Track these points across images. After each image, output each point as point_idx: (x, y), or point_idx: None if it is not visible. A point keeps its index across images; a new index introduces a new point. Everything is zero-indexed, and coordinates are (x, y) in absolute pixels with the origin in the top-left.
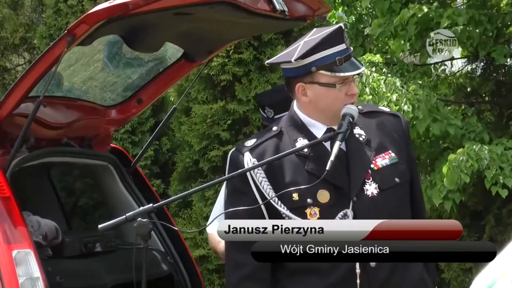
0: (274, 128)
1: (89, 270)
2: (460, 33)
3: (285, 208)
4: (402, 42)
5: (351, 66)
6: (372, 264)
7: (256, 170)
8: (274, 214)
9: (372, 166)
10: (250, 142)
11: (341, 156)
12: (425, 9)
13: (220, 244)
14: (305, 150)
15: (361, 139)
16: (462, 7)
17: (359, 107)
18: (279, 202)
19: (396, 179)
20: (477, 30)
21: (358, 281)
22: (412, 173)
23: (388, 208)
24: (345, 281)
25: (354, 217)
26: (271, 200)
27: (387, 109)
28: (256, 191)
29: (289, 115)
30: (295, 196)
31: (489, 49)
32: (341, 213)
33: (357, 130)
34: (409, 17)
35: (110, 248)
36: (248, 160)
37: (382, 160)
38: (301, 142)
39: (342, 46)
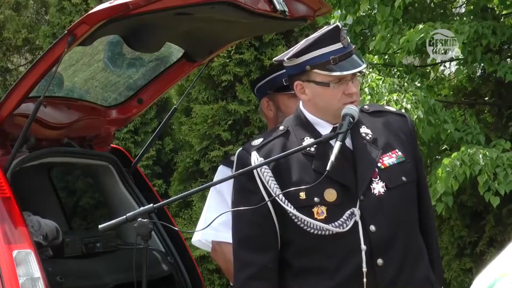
0: (281, 127)
1: (89, 270)
2: (462, 51)
3: (292, 207)
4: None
5: (349, 65)
6: (379, 262)
7: (263, 169)
8: (281, 213)
9: (379, 164)
10: (257, 142)
11: (347, 155)
12: (434, 29)
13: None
14: (312, 149)
15: (367, 138)
16: (462, 8)
17: (365, 106)
18: (286, 201)
19: (403, 178)
20: (480, 44)
21: (364, 279)
22: (419, 172)
23: (395, 206)
24: (352, 280)
25: (361, 216)
26: (278, 200)
27: (393, 109)
28: (264, 190)
29: (296, 114)
30: (302, 195)
31: (495, 67)
32: (348, 212)
33: (364, 129)
34: (419, 39)
35: (110, 248)
36: (255, 159)
37: (389, 159)
38: (308, 141)
39: (337, 45)
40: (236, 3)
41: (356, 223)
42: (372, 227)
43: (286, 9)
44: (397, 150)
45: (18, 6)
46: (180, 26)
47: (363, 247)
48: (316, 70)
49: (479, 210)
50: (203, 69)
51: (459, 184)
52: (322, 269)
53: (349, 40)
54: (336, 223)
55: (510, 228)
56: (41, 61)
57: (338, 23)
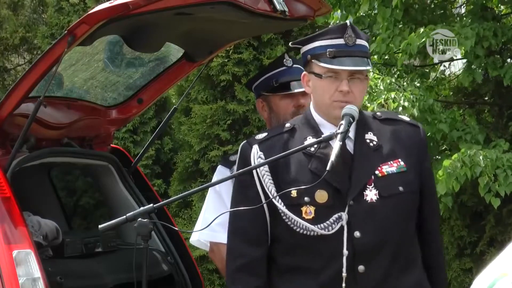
0: (287, 124)
1: (89, 270)
2: (467, 54)
3: (282, 204)
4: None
5: (347, 62)
6: (361, 269)
7: (260, 163)
8: (273, 209)
9: (376, 172)
10: (261, 136)
11: (347, 159)
12: (434, 31)
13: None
14: (312, 149)
15: (371, 144)
16: (462, 8)
17: (378, 113)
18: (278, 198)
19: (400, 188)
20: (482, 46)
21: (343, 284)
22: (424, 182)
23: (386, 215)
24: (332, 283)
25: (348, 221)
26: (270, 196)
27: (406, 118)
28: (259, 185)
29: (305, 114)
30: (294, 193)
31: (498, 71)
32: (336, 215)
33: (370, 135)
34: (420, 43)
35: (110, 248)
36: (255, 152)
37: (389, 168)
38: (310, 140)
39: (339, 41)
40: (236, 3)
41: (342, 227)
42: (357, 233)
43: (286, 9)
44: (399, 160)
45: (15, 6)
46: (180, 26)
47: (345, 252)
48: (314, 61)
49: (479, 210)
50: (202, 69)
51: (460, 186)
52: (306, 269)
53: (356, 41)
54: (322, 224)
55: (510, 228)
56: (41, 61)
57: (348, 22)
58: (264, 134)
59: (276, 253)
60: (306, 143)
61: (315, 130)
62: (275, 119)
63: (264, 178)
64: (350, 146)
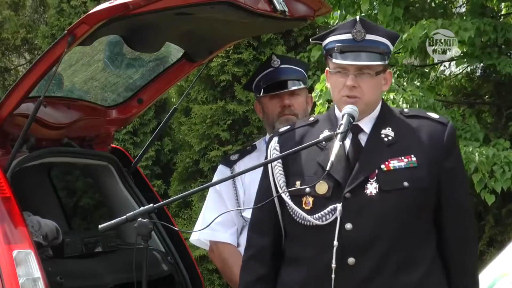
0: (311, 118)
1: (89, 270)
2: (463, 45)
3: (287, 195)
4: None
5: (353, 57)
6: (351, 261)
7: (274, 153)
8: (282, 201)
9: (382, 166)
10: (285, 128)
11: (355, 153)
12: (435, 25)
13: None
14: (323, 142)
15: (386, 139)
16: (463, 8)
17: (405, 110)
18: (284, 188)
19: (405, 183)
20: (481, 40)
21: (333, 275)
22: (442, 183)
23: (385, 210)
24: (322, 274)
25: (342, 213)
26: (278, 187)
27: (435, 116)
28: (271, 175)
29: (330, 108)
30: (298, 184)
31: (494, 61)
32: (331, 206)
33: (387, 131)
34: (421, 36)
35: (110, 248)
36: (273, 143)
37: (398, 163)
38: (325, 133)
39: (347, 36)
40: (236, 3)
41: (336, 218)
42: (348, 225)
43: (286, 9)
44: (412, 156)
45: (16, 6)
46: (180, 26)
47: (335, 243)
48: (328, 56)
49: (478, 211)
50: (202, 69)
51: None
52: (302, 259)
53: (365, 36)
54: (317, 215)
55: (509, 228)
56: (41, 61)
57: (358, 17)
58: (288, 127)
59: (284, 243)
60: (321, 136)
61: (333, 123)
62: (266, 120)
63: (275, 168)
64: (363, 140)
